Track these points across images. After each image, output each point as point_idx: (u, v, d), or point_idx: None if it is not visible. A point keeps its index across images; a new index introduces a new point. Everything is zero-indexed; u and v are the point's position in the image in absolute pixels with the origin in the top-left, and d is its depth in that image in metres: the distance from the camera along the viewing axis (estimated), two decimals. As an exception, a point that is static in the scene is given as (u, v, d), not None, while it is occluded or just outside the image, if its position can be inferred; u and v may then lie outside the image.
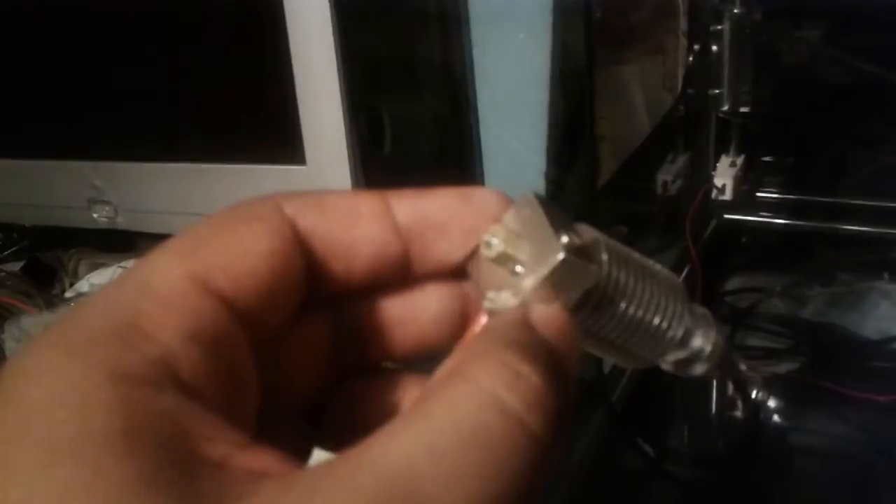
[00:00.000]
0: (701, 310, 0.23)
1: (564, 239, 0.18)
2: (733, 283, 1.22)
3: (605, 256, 0.20)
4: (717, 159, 1.22)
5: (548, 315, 0.19)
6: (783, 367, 1.04)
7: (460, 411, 0.16)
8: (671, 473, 0.91)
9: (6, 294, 0.83)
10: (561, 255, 0.18)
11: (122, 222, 0.69)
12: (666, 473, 0.90)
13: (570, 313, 0.19)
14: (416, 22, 0.57)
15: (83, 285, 0.89)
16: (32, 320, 0.79)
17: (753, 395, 1.00)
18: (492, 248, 0.20)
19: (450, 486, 0.15)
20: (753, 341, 1.10)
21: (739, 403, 1.01)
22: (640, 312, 0.21)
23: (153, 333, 0.17)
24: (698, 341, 0.23)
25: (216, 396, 0.18)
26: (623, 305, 0.21)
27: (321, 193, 0.23)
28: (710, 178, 1.20)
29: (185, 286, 0.19)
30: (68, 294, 0.88)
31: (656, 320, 0.21)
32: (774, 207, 1.23)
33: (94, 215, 0.70)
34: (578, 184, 0.83)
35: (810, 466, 0.93)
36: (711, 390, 1.07)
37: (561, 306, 0.19)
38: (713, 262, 1.16)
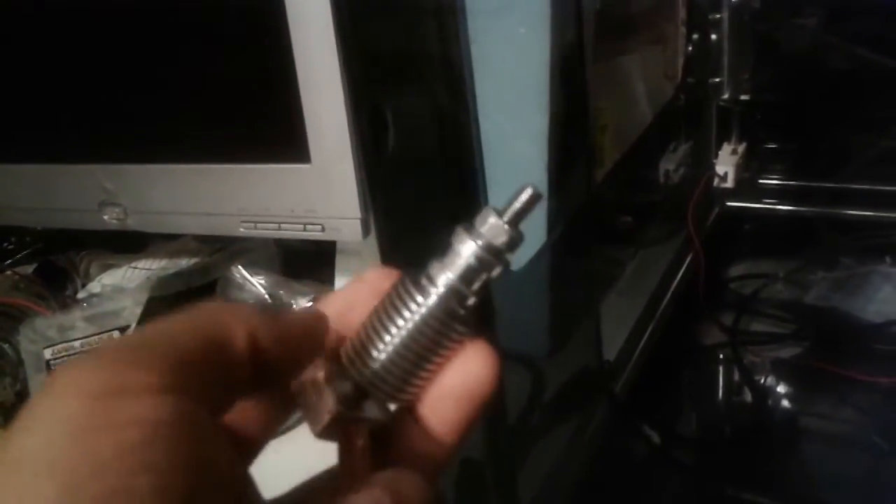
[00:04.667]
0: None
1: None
2: (737, 270, 1.23)
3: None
4: (718, 147, 1.23)
5: None
6: (787, 352, 1.05)
7: None
8: (677, 458, 0.92)
9: (20, 296, 0.85)
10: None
11: (133, 224, 0.70)
12: (671, 459, 0.91)
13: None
14: (415, 17, 0.58)
15: (95, 286, 0.90)
16: (46, 322, 0.80)
17: (761, 380, 1.01)
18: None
19: None
20: (758, 326, 1.11)
21: (746, 388, 1.02)
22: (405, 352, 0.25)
23: None
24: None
25: None
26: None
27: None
28: (711, 166, 1.21)
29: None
30: (81, 295, 0.90)
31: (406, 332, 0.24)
32: (776, 194, 1.24)
33: (105, 217, 0.70)
34: (579, 174, 0.83)
35: (814, 448, 0.94)
36: (718, 375, 1.08)
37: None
38: (716, 249, 1.16)
